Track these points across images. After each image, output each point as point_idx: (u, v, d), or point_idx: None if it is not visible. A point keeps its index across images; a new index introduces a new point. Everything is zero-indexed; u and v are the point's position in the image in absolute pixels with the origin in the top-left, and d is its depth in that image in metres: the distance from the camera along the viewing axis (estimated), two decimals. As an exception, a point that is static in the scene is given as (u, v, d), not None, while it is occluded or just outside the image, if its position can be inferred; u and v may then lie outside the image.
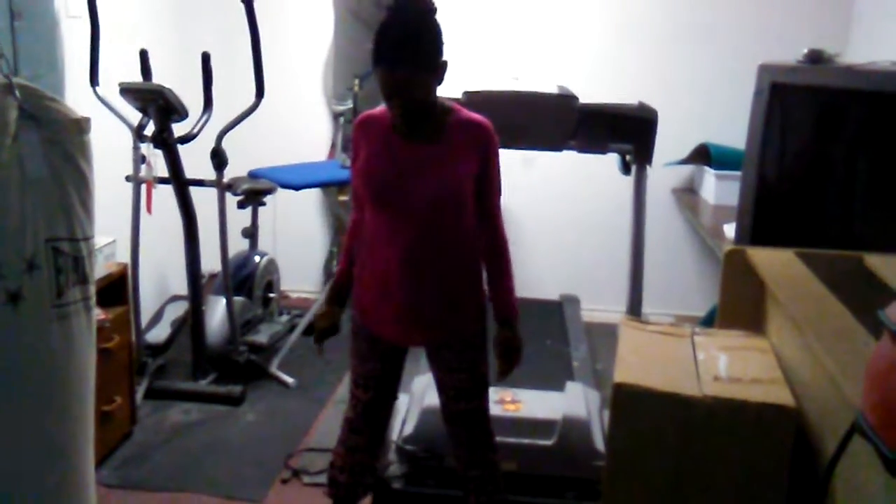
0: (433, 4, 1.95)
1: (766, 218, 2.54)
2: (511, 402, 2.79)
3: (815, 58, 2.60)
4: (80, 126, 1.72)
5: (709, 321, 3.22)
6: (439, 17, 1.96)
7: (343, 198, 4.81)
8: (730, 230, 3.14)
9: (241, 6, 3.24)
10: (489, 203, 2.13)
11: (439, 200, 2.03)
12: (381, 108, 2.12)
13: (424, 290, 2.10)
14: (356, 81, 4.51)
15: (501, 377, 2.21)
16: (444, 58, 1.97)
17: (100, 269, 2.72)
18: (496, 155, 2.09)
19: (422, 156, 2.04)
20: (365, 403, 2.28)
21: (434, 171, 2.02)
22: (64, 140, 1.67)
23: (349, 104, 4.55)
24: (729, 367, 1.95)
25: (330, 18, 4.53)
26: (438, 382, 2.27)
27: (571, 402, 2.80)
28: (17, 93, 1.62)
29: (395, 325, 2.16)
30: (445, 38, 1.97)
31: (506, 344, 2.17)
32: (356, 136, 2.15)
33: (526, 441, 2.66)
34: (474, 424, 2.28)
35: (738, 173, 2.89)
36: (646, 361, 1.97)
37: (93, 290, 1.76)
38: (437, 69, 1.96)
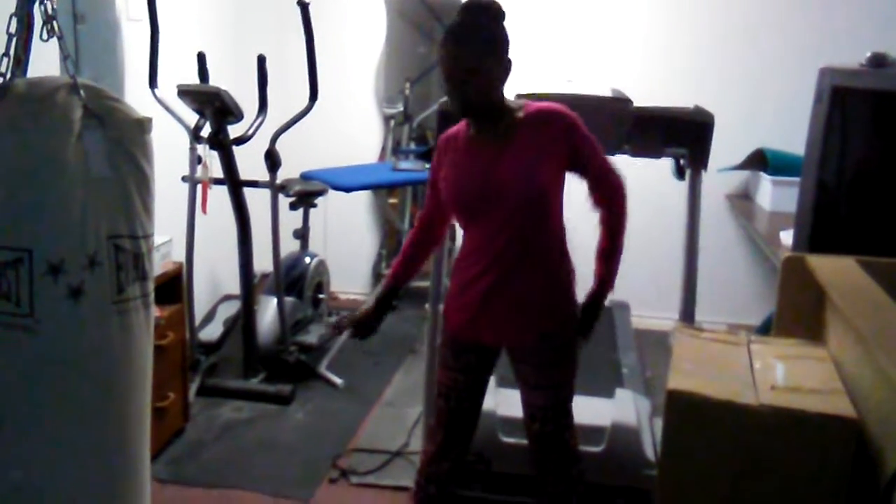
0: (500, 8, 1.96)
1: (825, 225, 2.48)
2: (560, 407, 2.77)
3: (879, 61, 2.53)
4: (143, 126, 1.75)
5: (764, 329, 3.16)
6: (507, 21, 1.98)
7: (393, 200, 4.84)
8: (787, 237, 3.07)
9: (297, 10, 3.29)
10: (597, 173, 2.08)
11: (521, 200, 1.99)
12: (457, 125, 2.12)
13: (507, 290, 2.05)
14: (407, 84, 4.54)
15: (583, 337, 2.19)
16: (509, 57, 1.98)
17: (156, 267, 2.77)
18: (579, 131, 2.03)
19: (498, 158, 2.00)
20: (445, 413, 2.25)
21: (511, 171, 1.99)
22: (126, 139, 1.70)
23: (400, 107, 4.59)
24: (787, 376, 1.91)
25: (382, 22, 4.57)
26: (521, 399, 2.21)
27: (621, 409, 2.76)
28: (82, 92, 1.66)
29: (477, 323, 2.12)
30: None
31: (592, 306, 2.18)
32: (437, 157, 2.15)
33: (575, 447, 2.63)
34: (552, 448, 2.19)
35: (796, 179, 2.83)
36: (701, 369, 1.93)
37: (151, 286, 1.79)
38: (500, 62, 1.96)
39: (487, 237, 2.05)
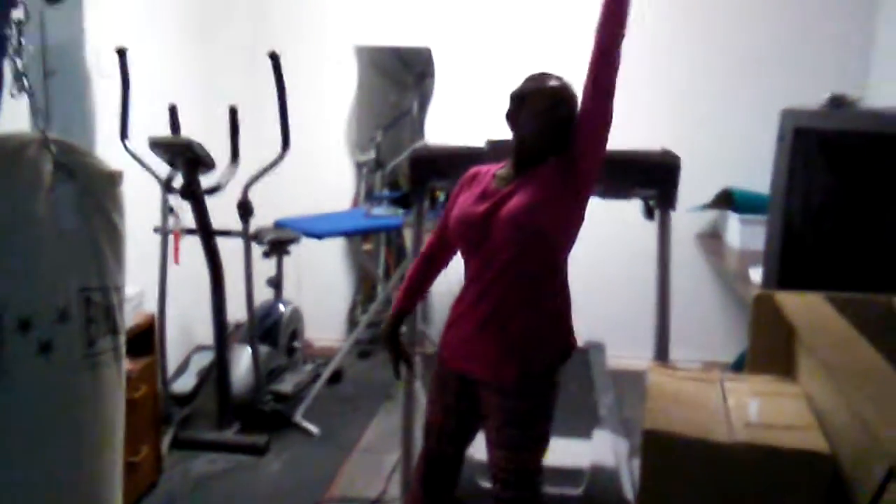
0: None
1: (793, 262, 2.53)
2: (538, 450, 2.75)
3: (838, 102, 2.61)
4: (113, 179, 1.75)
5: (738, 366, 3.19)
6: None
7: (367, 246, 4.85)
8: (756, 274, 3.12)
9: (268, 61, 3.32)
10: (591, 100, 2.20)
11: (514, 239, 1.99)
12: (489, 165, 2.17)
13: (495, 323, 2.03)
14: (379, 132, 4.59)
15: None
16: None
17: (128, 318, 2.75)
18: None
19: (508, 196, 2.03)
20: (427, 451, 2.24)
21: (512, 210, 2.00)
22: (97, 192, 1.70)
23: (372, 154, 4.62)
24: (760, 412, 1.93)
25: (353, 71, 4.62)
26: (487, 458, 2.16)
27: (599, 450, 2.76)
28: (52, 147, 1.66)
29: (464, 353, 2.11)
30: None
31: None
32: (460, 187, 2.18)
33: (553, 490, 2.61)
34: None
35: (763, 217, 2.88)
36: (676, 407, 1.95)
37: (123, 339, 1.78)
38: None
39: (482, 270, 2.05)
